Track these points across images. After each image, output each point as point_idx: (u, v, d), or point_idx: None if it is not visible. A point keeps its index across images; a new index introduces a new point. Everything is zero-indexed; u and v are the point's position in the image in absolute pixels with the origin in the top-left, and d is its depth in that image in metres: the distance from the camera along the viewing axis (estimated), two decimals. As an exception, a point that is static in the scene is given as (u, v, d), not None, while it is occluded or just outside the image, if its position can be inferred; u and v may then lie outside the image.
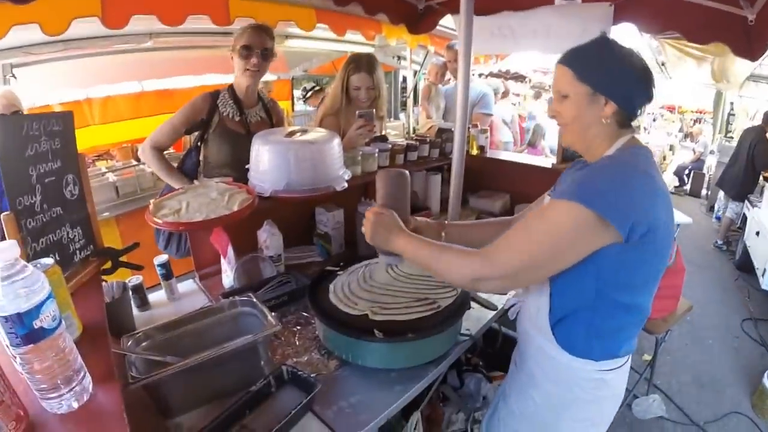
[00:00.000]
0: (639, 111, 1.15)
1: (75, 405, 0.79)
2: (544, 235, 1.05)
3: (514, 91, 9.82)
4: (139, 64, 4.40)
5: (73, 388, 0.79)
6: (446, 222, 1.50)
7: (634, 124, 1.20)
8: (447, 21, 3.26)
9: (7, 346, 0.80)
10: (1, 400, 0.70)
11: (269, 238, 1.78)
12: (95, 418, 0.80)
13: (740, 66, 5.65)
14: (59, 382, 0.77)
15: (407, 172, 1.41)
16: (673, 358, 3.33)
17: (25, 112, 2.38)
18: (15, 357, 0.78)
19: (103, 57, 3.93)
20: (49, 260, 0.96)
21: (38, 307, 0.72)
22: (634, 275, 1.11)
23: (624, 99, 1.10)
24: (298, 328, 1.53)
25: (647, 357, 2.94)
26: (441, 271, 1.17)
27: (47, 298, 0.74)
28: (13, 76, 3.27)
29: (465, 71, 1.97)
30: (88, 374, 0.83)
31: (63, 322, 0.79)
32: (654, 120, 12.87)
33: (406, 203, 1.40)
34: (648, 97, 1.13)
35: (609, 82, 1.10)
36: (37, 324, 0.72)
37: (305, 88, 5.40)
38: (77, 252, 1.26)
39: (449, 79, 4.62)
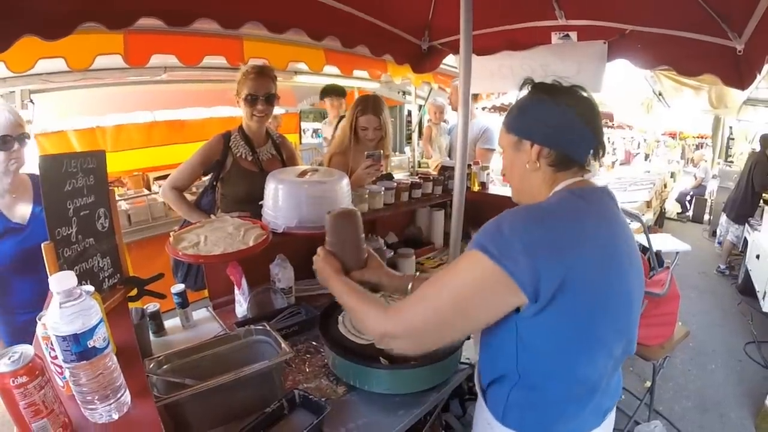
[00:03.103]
0: (580, 150, 1.05)
1: (115, 416, 0.88)
2: (450, 290, 0.96)
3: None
4: (152, 94, 4.53)
5: (115, 401, 0.88)
6: (417, 275, 1.47)
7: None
8: (450, 59, 3.36)
9: (53, 362, 0.90)
10: (51, 409, 0.80)
11: (281, 271, 1.87)
12: (134, 429, 0.89)
13: (736, 91, 5.77)
14: (104, 394, 0.86)
15: (354, 210, 1.44)
16: (675, 383, 3.36)
17: (32, 136, 2.23)
18: (62, 372, 0.89)
19: (118, 87, 4.06)
20: (90, 287, 1.05)
21: (92, 329, 0.82)
22: (558, 341, 0.97)
23: (549, 138, 1.04)
24: (308, 356, 1.61)
25: (648, 383, 2.98)
26: (358, 323, 1.17)
27: (99, 321, 0.84)
28: (31, 101, 3.38)
29: (464, 110, 2.08)
30: (127, 389, 0.93)
31: (110, 343, 0.88)
32: (657, 146, 13.00)
33: (354, 243, 1.40)
34: (588, 134, 1.03)
35: (531, 126, 1.06)
36: (90, 344, 0.82)
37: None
38: (106, 280, 1.36)
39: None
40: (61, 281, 0.79)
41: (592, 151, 1.06)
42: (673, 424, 2.88)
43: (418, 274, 1.52)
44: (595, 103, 1.06)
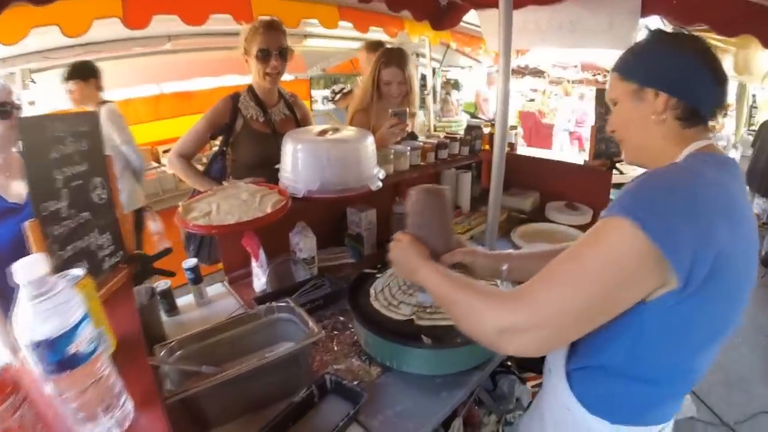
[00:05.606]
0: (709, 105, 0.91)
1: None
2: (597, 267, 0.78)
3: (531, 87, 9.75)
4: (157, 66, 4.49)
5: (114, 414, 0.72)
6: (510, 253, 1.27)
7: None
8: (470, 17, 3.22)
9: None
10: None
11: (302, 240, 1.74)
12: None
13: (762, 58, 5.54)
14: (98, 410, 0.70)
15: (442, 188, 1.23)
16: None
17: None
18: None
19: (122, 60, 3.97)
20: (79, 271, 0.89)
21: (72, 331, 0.65)
22: (691, 334, 0.84)
23: (678, 87, 0.89)
24: (336, 332, 1.48)
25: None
26: (460, 319, 0.92)
27: (82, 319, 0.67)
28: (32, 81, 3.27)
29: (505, 67, 1.91)
30: (129, 397, 0.77)
31: (100, 344, 0.72)
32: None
33: (444, 225, 1.23)
34: (715, 87, 0.90)
35: (656, 71, 0.92)
36: (71, 349, 0.65)
37: (333, 90, 5.33)
38: (106, 258, 1.21)
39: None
40: (28, 268, 0.62)
41: (717, 109, 0.92)
42: (701, 399, 2.80)
43: (510, 251, 1.30)
44: (718, 57, 0.91)
